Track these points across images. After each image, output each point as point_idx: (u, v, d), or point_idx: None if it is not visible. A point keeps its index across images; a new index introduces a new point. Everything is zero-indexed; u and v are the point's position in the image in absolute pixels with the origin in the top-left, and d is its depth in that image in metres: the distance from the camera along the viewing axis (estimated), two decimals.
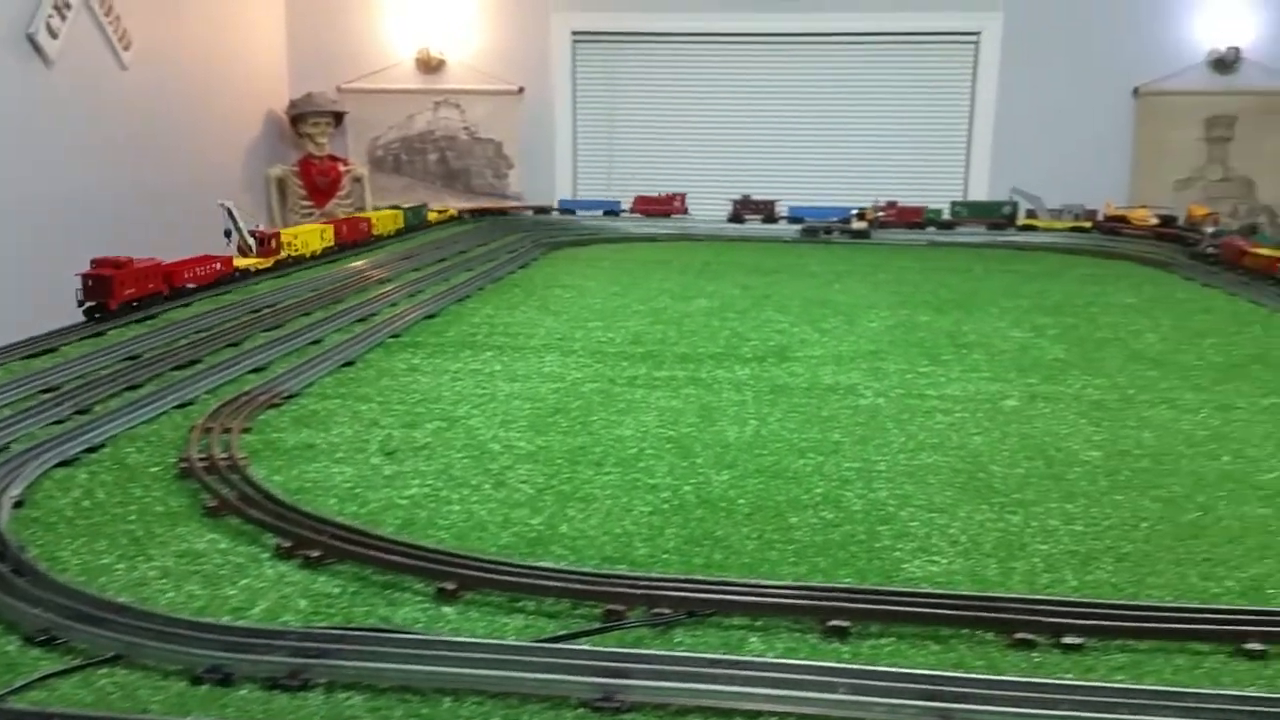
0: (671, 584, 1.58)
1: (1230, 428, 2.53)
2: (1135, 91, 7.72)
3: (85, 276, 3.36)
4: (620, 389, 2.80)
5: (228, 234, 4.33)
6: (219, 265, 3.99)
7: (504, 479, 2.09)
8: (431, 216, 6.46)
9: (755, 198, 7.11)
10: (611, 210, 7.04)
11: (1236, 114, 7.74)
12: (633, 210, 7.01)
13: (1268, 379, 3.02)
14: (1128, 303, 4.27)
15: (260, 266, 4.28)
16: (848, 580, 1.67)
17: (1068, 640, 1.47)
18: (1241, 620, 1.50)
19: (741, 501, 2.00)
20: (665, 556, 1.75)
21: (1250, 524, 1.93)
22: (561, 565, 1.68)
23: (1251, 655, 1.45)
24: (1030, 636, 1.47)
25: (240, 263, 4.18)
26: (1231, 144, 7.82)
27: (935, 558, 1.77)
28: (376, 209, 6.43)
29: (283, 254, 4.44)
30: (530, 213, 7.12)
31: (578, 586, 1.57)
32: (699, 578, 1.62)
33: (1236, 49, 7.59)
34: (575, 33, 8.24)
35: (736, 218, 6.98)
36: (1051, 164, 7.55)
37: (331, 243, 4.95)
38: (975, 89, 7.96)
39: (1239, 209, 7.89)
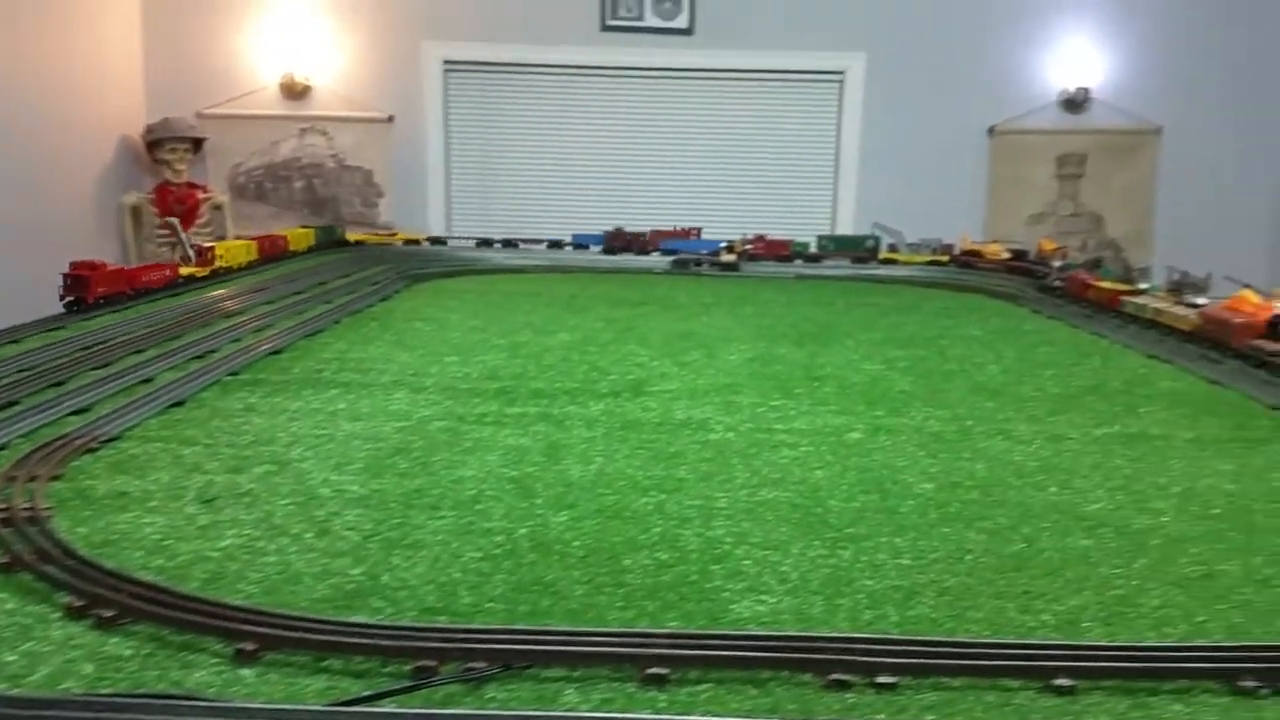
0: (490, 635, 1.53)
1: (1060, 458, 2.62)
2: (991, 130, 8.05)
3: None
4: (468, 427, 2.74)
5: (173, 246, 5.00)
6: (169, 272, 4.69)
7: (329, 526, 2.01)
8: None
9: (628, 229, 7.15)
10: (582, 245, 6.98)
11: (1086, 152, 8.14)
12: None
13: (1100, 409, 3.14)
14: (975, 335, 4.41)
15: (200, 274, 4.95)
16: (674, 624, 1.65)
17: (881, 680, 1.47)
18: (1052, 655, 1.52)
19: (577, 544, 1.97)
20: (490, 605, 1.70)
21: (1071, 556, 1.98)
22: (375, 620, 1.61)
23: (1060, 691, 1.47)
24: (845, 677, 1.47)
25: (184, 270, 4.85)
26: (1082, 181, 8.22)
27: (764, 597, 1.76)
28: (239, 238, 6.23)
29: (217, 264, 5.10)
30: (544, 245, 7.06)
31: (389, 642, 1.51)
32: (520, 627, 1.57)
33: (1086, 89, 8.00)
34: (447, 62, 8.17)
35: (610, 250, 6.99)
36: (913, 199, 7.80)
37: (256, 256, 5.57)
38: (841, 126, 8.19)
39: (1088, 243, 8.30)
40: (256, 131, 8.03)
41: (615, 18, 7.92)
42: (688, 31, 7.98)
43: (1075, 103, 8.00)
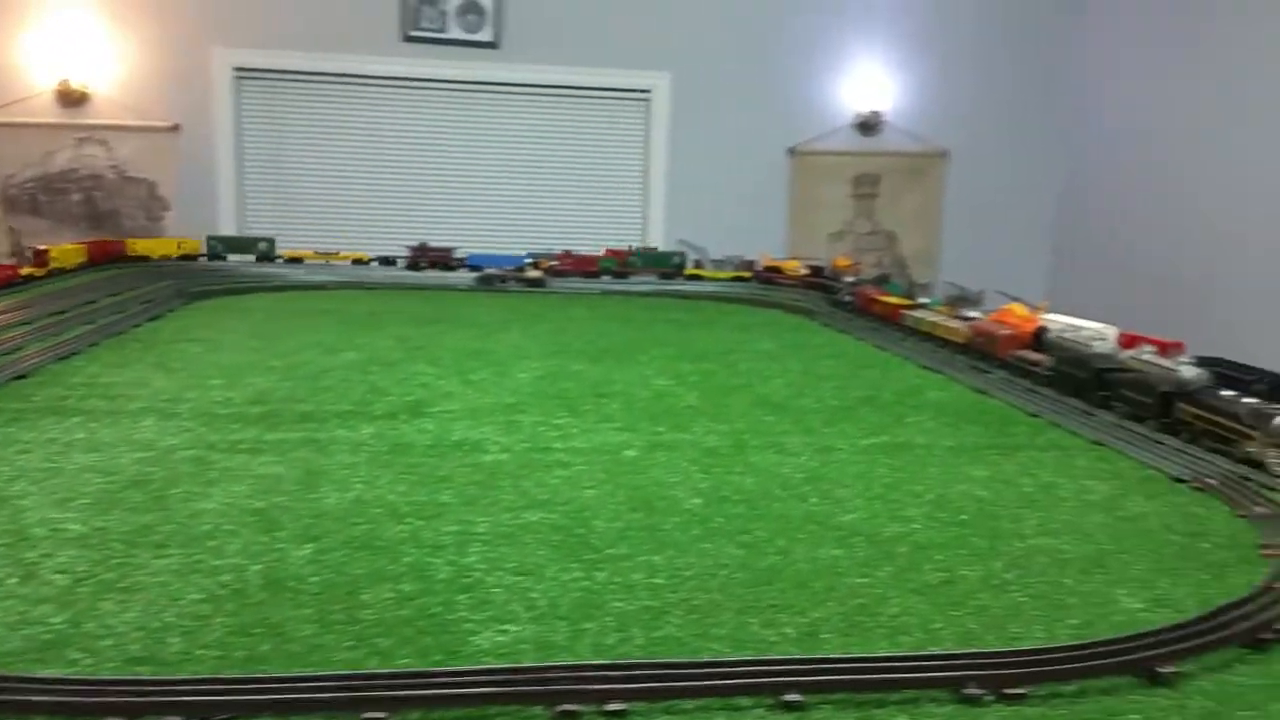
0: (191, 687, 1.40)
1: (826, 469, 2.66)
2: (791, 150, 8.30)
3: None
4: (218, 455, 2.57)
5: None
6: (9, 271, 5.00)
7: (36, 570, 1.82)
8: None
9: (433, 245, 6.99)
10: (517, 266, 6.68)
11: (880, 173, 8.50)
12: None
13: (872, 420, 3.23)
14: (767, 349, 4.49)
15: (38, 274, 5.21)
16: (405, 662, 1.56)
17: (612, 708, 1.43)
18: (783, 671, 1.51)
19: (315, 579, 1.85)
20: (201, 653, 1.56)
21: (821, 567, 2.00)
22: (67, 674, 1.46)
23: (790, 707, 1.46)
24: (575, 707, 1.42)
25: (24, 270, 5.13)
26: (877, 200, 8.57)
27: (508, 626, 1.69)
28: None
29: (51, 265, 5.38)
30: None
31: (74, 699, 1.36)
32: (226, 676, 1.45)
33: (878, 113, 8.35)
34: (238, 69, 7.81)
35: (414, 265, 6.82)
36: (720, 216, 7.95)
37: (85, 259, 5.87)
38: (649, 143, 8.27)
39: (883, 260, 8.66)
40: (29, 141, 7.45)
41: (417, 28, 7.75)
42: (493, 45, 7.89)
43: (869, 126, 8.35)
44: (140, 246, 6.54)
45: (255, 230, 7.82)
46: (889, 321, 5.10)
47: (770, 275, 6.81)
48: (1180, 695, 1.54)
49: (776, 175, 8.33)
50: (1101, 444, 3.00)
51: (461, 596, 1.80)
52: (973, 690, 1.51)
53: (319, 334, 4.44)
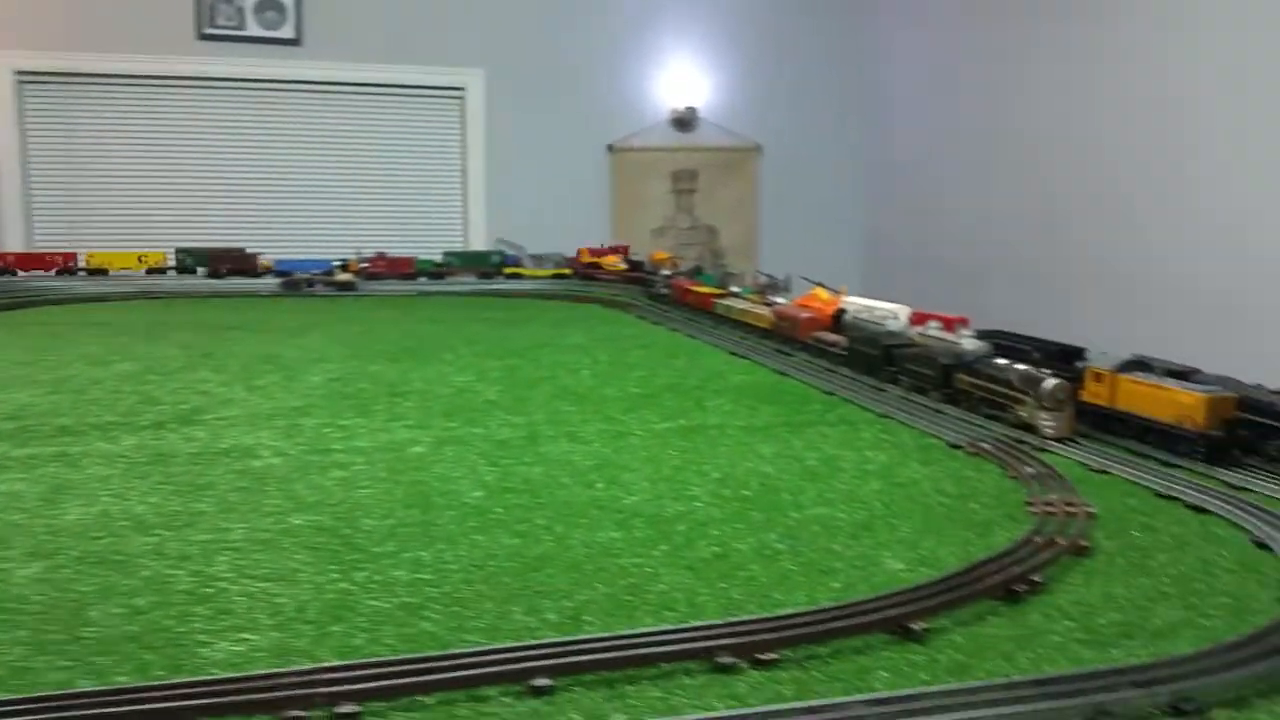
0: None
1: (618, 455, 2.63)
2: (610, 147, 8.32)
3: None
4: None
5: None
6: None
7: None
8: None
9: (240, 250, 6.67)
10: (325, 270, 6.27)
11: (698, 168, 8.62)
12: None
13: (672, 405, 3.23)
14: (578, 343, 4.45)
15: None
16: (122, 679, 1.43)
17: (344, 710, 1.34)
18: (532, 656, 1.46)
19: (37, 599, 1.68)
20: None
21: (596, 550, 1.95)
22: None
23: (539, 691, 1.41)
24: (302, 713, 1.32)
25: None
26: (696, 195, 8.69)
27: (246, 635, 1.57)
28: None
29: None
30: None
31: None
32: None
33: (693, 109, 8.47)
34: (20, 73, 7.29)
35: (214, 272, 6.48)
36: (543, 214, 7.89)
37: None
38: (465, 142, 8.14)
39: (705, 254, 8.78)
40: None
41: (213, 26, 7.40)
42: (295, 42, 7.61)
43: (685, 122, 8.45)
44: None
45: (42, 238, 7.31)
46: (702, 311, 5.15)
47: (590, 271, 6.79)
48: (931, 650, 1.55)
49: (597, 172, 8.33)
50: (888, 416, 3.07)
51: (200, 608, 1.67)
52: (725, 659, 1.49)
53: (92, 346, 4.15)
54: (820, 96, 8.53)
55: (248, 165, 7.74)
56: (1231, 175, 5.39)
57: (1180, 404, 2.55)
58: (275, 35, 7.52)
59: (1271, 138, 5.16)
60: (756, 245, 8.58)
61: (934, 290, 7.18)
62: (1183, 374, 2.72)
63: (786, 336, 4.23)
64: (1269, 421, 2.52)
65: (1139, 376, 2.71)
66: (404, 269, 6.65)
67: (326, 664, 1.44)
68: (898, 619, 1.61)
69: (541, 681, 1.42)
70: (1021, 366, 2.90)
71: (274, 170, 7.81)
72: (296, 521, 2.09)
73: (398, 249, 6.92)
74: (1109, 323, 5.91)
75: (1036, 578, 1.79)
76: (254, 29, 7.47)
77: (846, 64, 8.56)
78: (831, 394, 3.41)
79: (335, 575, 1.81)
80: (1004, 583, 1.76)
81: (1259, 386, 2.63)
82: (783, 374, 3.75)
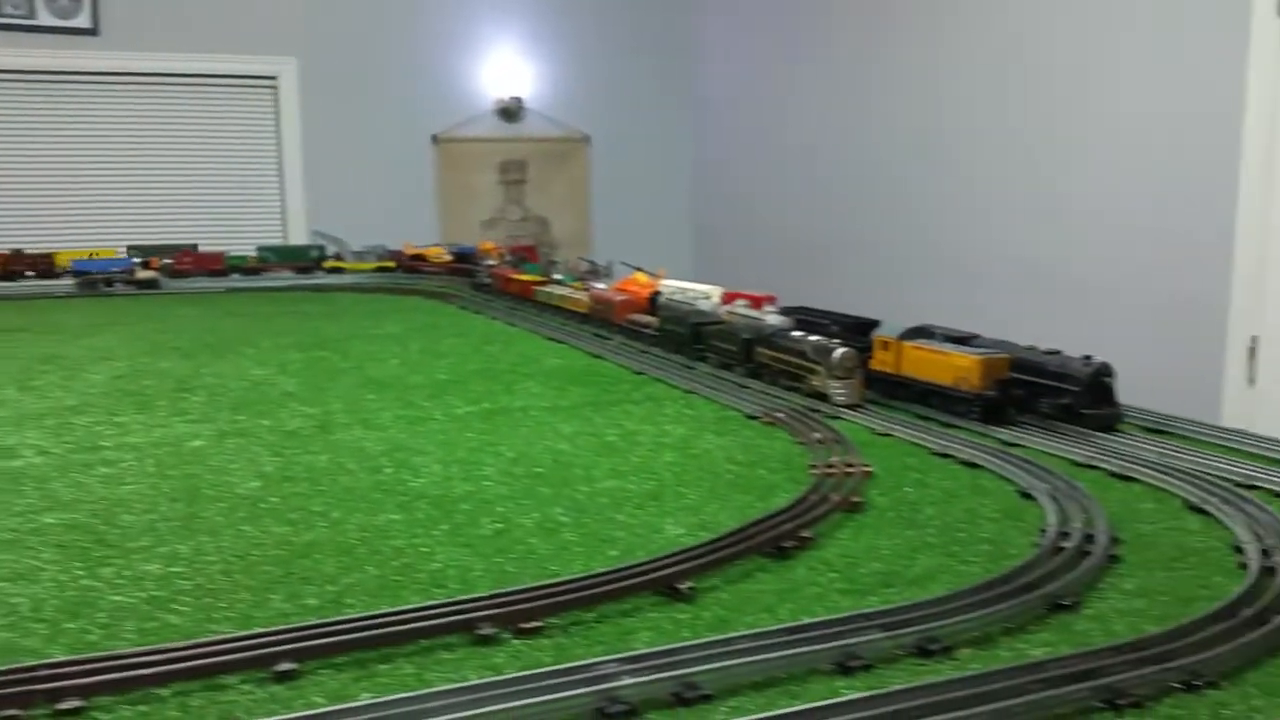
0: None
1: (413, 440, 2.57)
2: (434, 138, 8.17)
3: None
4: None
5: None
6: None
7: None
8: None
9: (29, 251, 6.25)
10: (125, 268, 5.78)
11: (526, 159, 8.55)
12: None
13: (478, 390, 3.18)
14: (392, 333, 4.34)
15: None
16: None
17: (65, 705, 1.24)
18: (278, 641, 1.39)
19: None
20: None
21: (372, 533, 1.89)
22: None
23: (284, 676, 1.34)
24: (17, 712, 1.22)
25: None
26: (526, 186, 8.62)
27: None
28: None
29: None
30: None
31: None
32: None
33: (519, 99, 8.40)
34: None
35: (6, 275, 6.05)
36: (365, 207, 7.69)
37: None
38: (280, 133, 7.85)
39: (539, 245, 8.73)
40: None
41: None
42: (92, 31, 7.17)
43: (511, 112, 8.38)
44: None
45: None
46: (524, 299, 5.11)
47: (415, 264, 6.64)
48: (697, 608, 1.56)
49: (422, 163, 8.17)
50: (693, 392, 3.10)
51: None
52: (486, 630, 1.46)
53: None
54: (647, 87, 8.60)
55: (44, 163, 7.26)
56: (1043, 158, 5.70)
57: (957, 367, 2.66)
58: (69, 25, 7.07)
59: (1070, 125, 5.48)
60: (589, 236, 8.58)
61: (763, 274, 7.35)
62: (963, 339, 2.84)
63: (603, 320, 4.23)
64: (1040, 380, 2.65)
65: (921, 343, 2.82)
66: (214, 265, 6.36)
67: (50, 660, 1.34)
68: (665, 579, 1.61)
69: (286, 666, 1.35)
70: (815, 338, 2.97)
71: (74, 167, 7.35)
72: (48, 520, 1.95)
73: (211, 244, 6.61)
74: (933, 299, 6.16)
75: (806, 534, 1.83)
76: (45, 18, 6.99)
77: (671, 55, 8.65)
78: (641, 373, 3.42)
79: (80, 572, 1.69)
80: (773, 540, 1.79)
81: (1032, 348, 2.77)
82: (597, 356, 3.75)
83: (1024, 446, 2.44)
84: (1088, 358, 2.61)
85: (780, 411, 2.76)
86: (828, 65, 7.21)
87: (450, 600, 1.53)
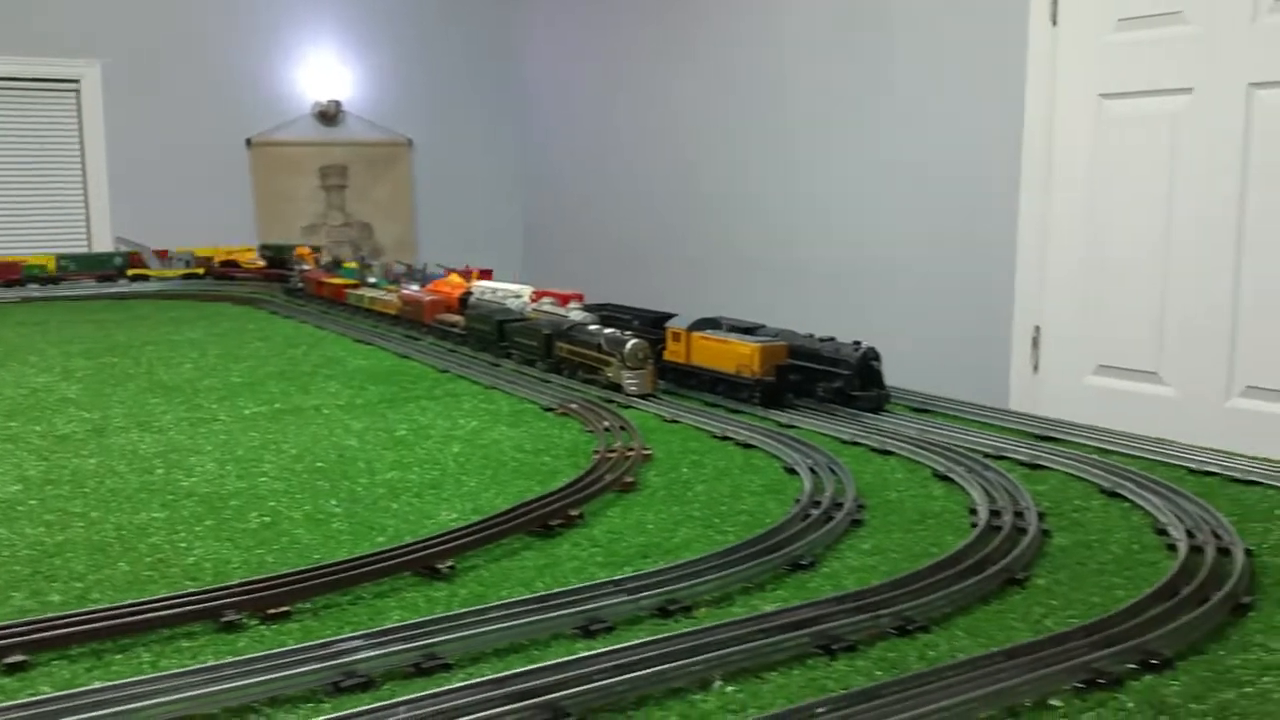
0: None
1: (192, 441, 2.50)
2: (249, 142, 7.92)
3: None
4: None
5: None
6: None
7: None
8: None
9: None
10: None
11: (347, 164, 8.38)
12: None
13: (273, 391, 3.11)
14: (191, 338, 4.20)
15: None
16: None
17: None
18: (6, 635, 1.35)
19: None
20: None
21: (130, 531, 1.84)
22: None
23: (13, 669, 1.30)
24: None
25: None
26: (347, 191, 8.44)
27: None
28: None
29: None
30: None
31: None
32: None
33: (337, 102, 8.21)
34: None
35: None
36: (177, 212, 7.37)
37: None
38: (84, 138, 7.45)
39: (362, 251, 8.56)
40: None
41: None
42: None
43: (329, 115, 8.19)
44: None
45: None
46: (337, 302, 5.02)
47: (226, 270, 6.43)
48: (455, 585, 1.59)
49: (237, 168, 7.90)
50: (495, 388, 3.12)
51: None
52: (231, 617, 1.45)
53: None
54: (470, 89, 8.55)
55: None
56: (844, 162, 5.96)
57: (739, 355, 2.78)
58: None
59: (864, 129, 5.76)
60: (415, 240, 8.47)
61: (590, 274, 7.42)
62: (749, 329, 2.96)
63: (413, 321, 4.21)
64: (815, 366, 2.80)
65: (709, 333, 2.92)
66: (9, 275, 5.99)
67: None
68: (423, 560, 1.63)
69: (16, 659, 1.31)
70: (609, 331, 3.04)
71: None
72: None
73: (11, 253, 6.23)
74: (745, 295, 6.34)
75: (574, 513, 1.89)
76: None
77: (496, 57, 8.64)
78: (446, 371, 3.42)
79: None
80: (540, 519, 1.83)
81: (810, 336, 2.91)
82: (404, 356, 3.72)
83: (799, 428, 2.57)
84: (857, 343, 2.76)
85: (574, 403, 2.82)
86: (639, 65, 7.36)
87: (197, 590, 1.51)
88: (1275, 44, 4.00)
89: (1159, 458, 2.22)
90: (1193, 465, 2.16)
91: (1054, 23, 4.75)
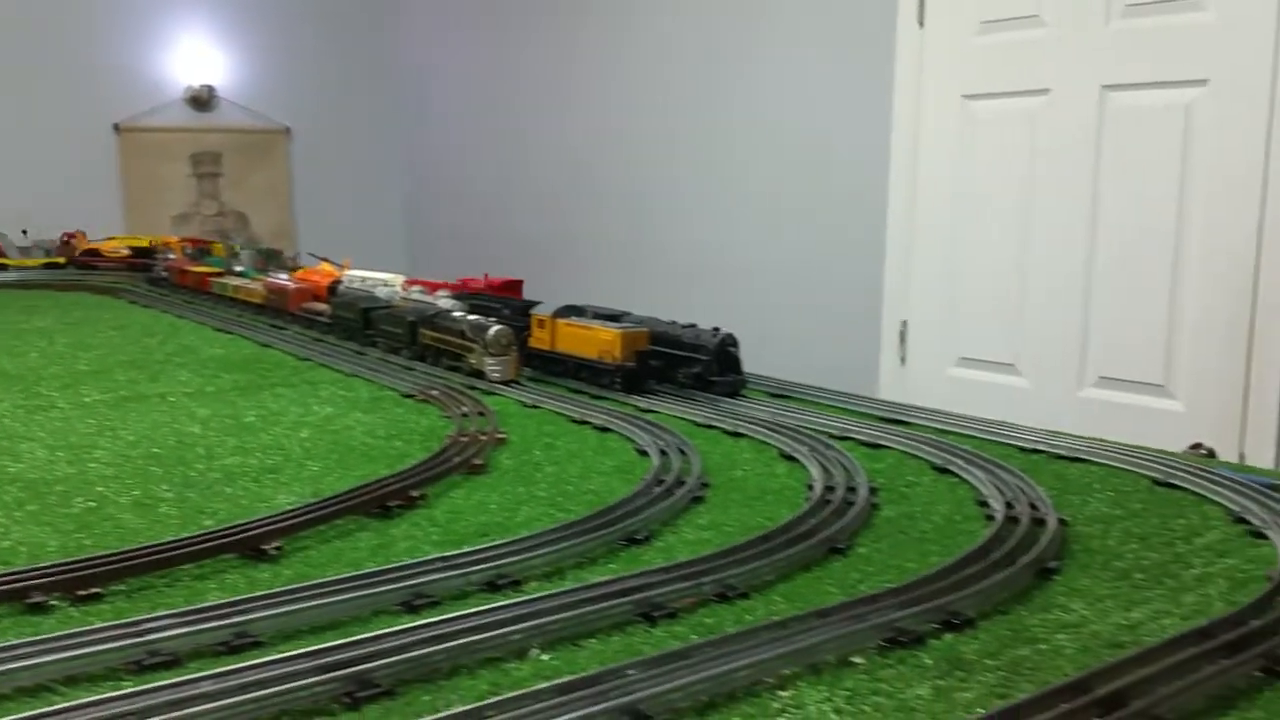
0: None
1: (25, 428, 2.40)
2: (116, 127, 7.62)
3: None
4: None
5: None
6: None
7: None
8: None
9: None
10: None
11: (221, 151, 8.13)
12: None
13: (120, 380, 3.01)
14: (40, 327, 4.03)
15: None
16: None
17: None
18: None
19: None
20: None
21: None
22: None
23: None
24: None
25: None
26: (221, 180, 8.19)
27: None
28: None
29: None
30: None
31: None
32: None
33: (210, 87, 7.97)
34: None
35: None
36: (39, 200, 7.04)
37: None
38: None
39: (237, 241, 8.32)
40: None
41: None
42: None
43: (201, 101, 7.94)
44: None
45: None
46: (202, 291, 4.88)
47: (88, 259, 6.18)
48: (280, 566, 1.56)
49: (104, 154, 7.60)
50: (356, 376, 3.07)
51: None
52: (39, 599, 1.39)
53: None
54: (352, 76, 8.38)
55: None
56: (722, 160, 6.03)
57: (601, 341, 2.79)
58: None
59: (738, 129, 5.84)
60: (293, 231, 8.27)
61: (481, 266, 7.32)
62: (613, 316, 2.97)
63: (279, 309, 4.11)
64: (676, 352, 2.83)
65: (573, 320, 2.93)
66: None
67: None
68: (249, 542, 1.60)
69: None
70: (473, 317, 3.02)
71: None
72: None
73: None
74: (630, 291, 6.36)
75: (415, 494, 1.87)
76: None
77: (378, 43, 8.48)
78: (308, 359, 3.35)
79: None
80: (377, 500, 1.81)
81: (673, 323, 2.94)
82: (266, 345, 3.64)
83: (658, 412, 2.59)
84: (716, 330, 2.80)
85: (435, 389, 2.79)
86: (521, 52, 7.32)
87: (4, 572, 1.45)
88: (1126, 47, 4.19)
89: (992, 437, 2.31)
90: (1023, 444, 2.25)
91: (921, 24, 4.89)
